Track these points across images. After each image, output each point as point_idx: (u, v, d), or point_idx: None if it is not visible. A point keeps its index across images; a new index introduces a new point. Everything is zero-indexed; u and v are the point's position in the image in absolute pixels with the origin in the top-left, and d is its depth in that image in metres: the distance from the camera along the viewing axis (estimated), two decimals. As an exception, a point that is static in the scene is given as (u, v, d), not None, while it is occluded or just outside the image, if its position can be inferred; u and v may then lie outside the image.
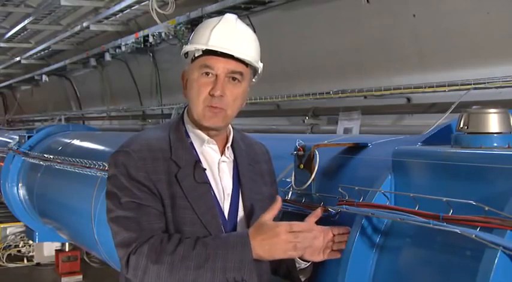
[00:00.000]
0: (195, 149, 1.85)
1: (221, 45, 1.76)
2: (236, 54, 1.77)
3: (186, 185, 1.78)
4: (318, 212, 1.85)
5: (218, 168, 1.86)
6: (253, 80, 1.91)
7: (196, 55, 1.80)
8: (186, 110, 1.91)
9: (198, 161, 1.83)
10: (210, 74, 1.78)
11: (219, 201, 1.83)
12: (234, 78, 1.79)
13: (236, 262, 1.65)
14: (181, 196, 1.76)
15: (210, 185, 1.83)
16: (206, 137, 1.85)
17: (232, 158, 1.91)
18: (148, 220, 1.72)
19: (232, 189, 1.87)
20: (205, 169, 1.83)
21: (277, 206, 1.74)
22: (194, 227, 1.75)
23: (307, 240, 1.72)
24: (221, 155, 1.88)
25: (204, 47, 1.77)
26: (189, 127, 1.88)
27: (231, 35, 1.78)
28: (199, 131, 1.86)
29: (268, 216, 1.71)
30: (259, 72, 1.89)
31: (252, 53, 1.82)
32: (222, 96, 1.77)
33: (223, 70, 1.77)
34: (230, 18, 1.84)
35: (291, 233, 1.68)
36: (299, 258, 1.88)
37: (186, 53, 1.85)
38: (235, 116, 1.85)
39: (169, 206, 1.76)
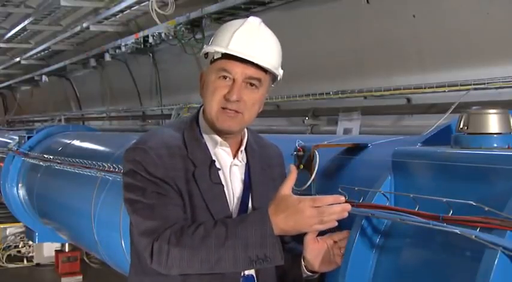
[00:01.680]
0: (209, 150, 1.84)
1: (241, 50, 1.72)
2: (255, 61, 1.72)
3: (203, 184, 1.76)
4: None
5: (230, 171, 1.85)
6: (272, 85, 1.87)
7: (215, 57, 1.76)
8: (201, 110, 1.89)
9: (214, 161, 1.81)
10: (228, 78, 1.74)
11: (229, 205, 1.82)
12: (251, 84, 1.75)
13: (257, 238, 1.61)
14: (197, 195, 1.75)
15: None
16: (219, 139, 1.83)
17: (245, 161, 1.89)
18: (174, 209, 1.71)
19: (243, 193, 1.85)
20: (220, 169, 1.82)
21: (292, 176, 1.68)
22: None
23: (335, 213, 1.63)
24: (234, 158, 1.87)
25: (224, 51, 1.73)
26: (203, 128, 1.85)
27: (252, 40, 1.74)
28: (213, 133, 1.84)
29: (286, 189, 1.66)
30: (278, 79, 1.85)
31: (272, 60, 1.77)
32: (238, 101, 1.74)
33: (241, 75, 1.73)
34: (253, 22, 1.79)
35: (315, 209, 1.61)
36: (307, 270, 1.88)
37: (206, 54, 1.81)
38: (252, 120, 1.82)
39: (187, 204, 1.75)
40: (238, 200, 1.84)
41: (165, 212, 1.69)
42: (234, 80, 1.74)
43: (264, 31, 1.80)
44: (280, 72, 1.82)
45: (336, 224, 1.66)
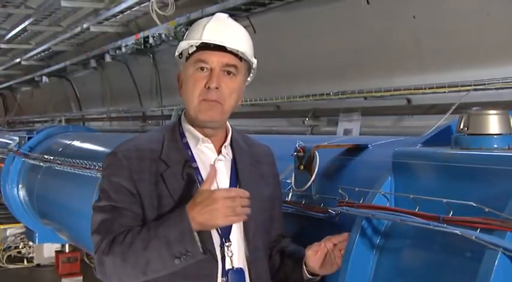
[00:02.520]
0: (190, 149, 1.86)
1: (214, 39, 1.78)
2: (229, 46, 1.79)
3: (172, 183, 1.79)
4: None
5: None
6: (249, 78, 1.92)
7: (190, 52, 1.82)
8: (183, 111, 1.92)
9: (189, 160, 1.83)
10: (205, 69, 1.80)
11: None
12: (228, 72, 1.81)
13: (177, 235, 1.65)
14: (166, 195, 1.78)
15: None
16: (201, 136, 1.86)
17: (231, 157, 1.91)
18: (121, 222, 1.76)
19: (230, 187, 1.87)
20: (197, 168, 1.83)
21: (211, 174, 1.72)
22: None
23: (245, 206, 1.68)
24: (218, 155, 1.88)
25: (198, 42, 1.79)
26: (185, 127, 1.89)
27: (223, 30, 1.82)
28: (194, 131, 1.86)
29: (206, 185, 1.70)
30: (253, 67, 1.90)
31: (245, 47, 1.84)
32: (217, 89, 1.78)
33: (217, 63, 1.79)
34: (221, 15, 1.88)
35: (229, 198, 1.65)
36: (308, 273, 1.88)
37: (181, 54, 1.87)
38: (231, 111, 1.86)
39: (152, 206, 1.78)
40: None
41: (110, 226, 1.76)
42: (211, 70, 1.79)
43: (233, 23, 1.88)
44: (254, 61, 1.88)
45: (245, 218, 1.70)
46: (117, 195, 1.78)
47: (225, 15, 1.88)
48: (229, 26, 1.85)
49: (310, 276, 1.89)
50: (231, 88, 1.81)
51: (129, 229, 1.73)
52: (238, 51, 1.81)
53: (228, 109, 1.84)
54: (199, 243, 1.66)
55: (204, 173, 1.84)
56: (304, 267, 1.88)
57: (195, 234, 1.66)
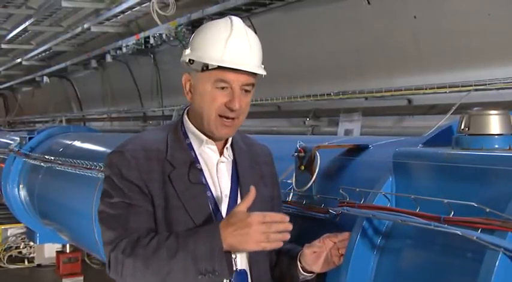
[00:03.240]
0: (193, 150, 1.86)
1: (237, 62, 1.75)
2: (252, 70, 1.77)
3: (179, 185, 1.78)
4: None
5: (216, 169, 1.86)
6: None
7: (210, 67, 1.77)
8: (186, 111, 1.91)
9: (194, 162, 1.83)
10: (225, 88, 1.77)
11: (217, 202, 1.83)
12: (246, 90, 1.80)
13: (206, 251, 1.64)
14: (174, 196, 1.77)
15: (208, 186, 1.83)
16: (205, 138, 1.85)
17: (232, 158, 1.91)
18: (137, 219, 1.74)
19: (231, 190, 1.87)
20: (201, 169, 1.83)
21: (251, 196, 1.70)
22: (187, 227, 1.75)
23: (278, 232, 1.65)
24: (220, 156, 1.88)
25: (220, 64, 1.75)
26: (189, 128, 1.88)
27: (244, 49, 1.77)
28: (198, 132, 1.86)
29: (242, 206, 1.68)
30: (262, 77, 1.88)
31: (260, 62, 1.82)
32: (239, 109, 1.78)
33: (237, 83, 1.77)
34: (239, 25, 1.80)
35: (264, 224, 1.64)
36: (303, 270, 1.88)
37: (191, 60, 1.81)
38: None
39: (161, 207, 1.77)
40: (227, 196, 1.85)
41: (126, 223, 1.73)
42: (231, 89, 1.77)
43: (250, 34, 1.82)
44: (264, 73, 1.85)
45: (281, 244, 1.68)
46: (131, 193, 1.75)
47: (242, 25, 1.81)
48: (249, 42, 1.79)
49: (305, 274, 1.89)
50: (246, 103, 1.81)
51: (153, 233, 1.71)
52: (258, 72, 1.79)
53: (242, 121, 1.84)
54: (230, 263, 1.66)
55: (207, 175, 1.84)
56: (299, 264, 1.88)
57: (225, 254, 1.65)
